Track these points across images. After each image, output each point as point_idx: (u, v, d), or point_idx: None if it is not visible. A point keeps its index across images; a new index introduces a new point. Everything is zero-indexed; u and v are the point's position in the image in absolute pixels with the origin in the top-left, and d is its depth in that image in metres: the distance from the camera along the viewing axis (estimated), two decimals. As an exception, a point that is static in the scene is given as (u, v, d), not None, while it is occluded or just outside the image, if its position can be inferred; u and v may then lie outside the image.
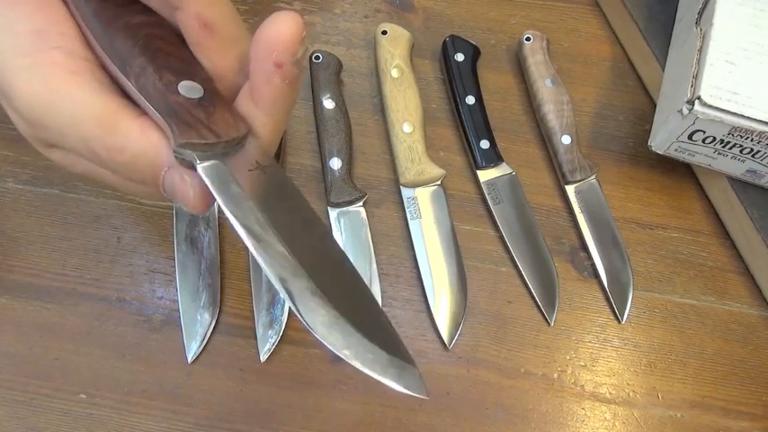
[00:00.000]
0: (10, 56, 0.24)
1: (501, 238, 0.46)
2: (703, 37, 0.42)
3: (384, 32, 0.50)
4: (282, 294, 0.22)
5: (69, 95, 0.24)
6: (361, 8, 0.55)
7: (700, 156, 0.44)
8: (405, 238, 0.46)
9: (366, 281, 0.43)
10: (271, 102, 0.23)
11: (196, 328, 0.42)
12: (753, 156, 0.42)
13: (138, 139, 0.24)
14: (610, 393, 0.43)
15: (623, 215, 0.48)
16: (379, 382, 0.22)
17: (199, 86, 0.23)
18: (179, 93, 0.23)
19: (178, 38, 0.25)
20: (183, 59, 0.24)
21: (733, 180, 0.45)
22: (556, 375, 0.43)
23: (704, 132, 0.41)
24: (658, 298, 0.45)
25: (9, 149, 0.47)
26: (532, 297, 0.45)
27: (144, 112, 0.24)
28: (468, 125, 0.48)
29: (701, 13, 0.44)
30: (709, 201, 0.48)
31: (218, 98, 0.24)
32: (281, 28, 0.21)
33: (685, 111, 0.40)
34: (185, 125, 0.23)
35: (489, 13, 0.55)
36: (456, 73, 0.50)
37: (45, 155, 0.27)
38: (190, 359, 0.42)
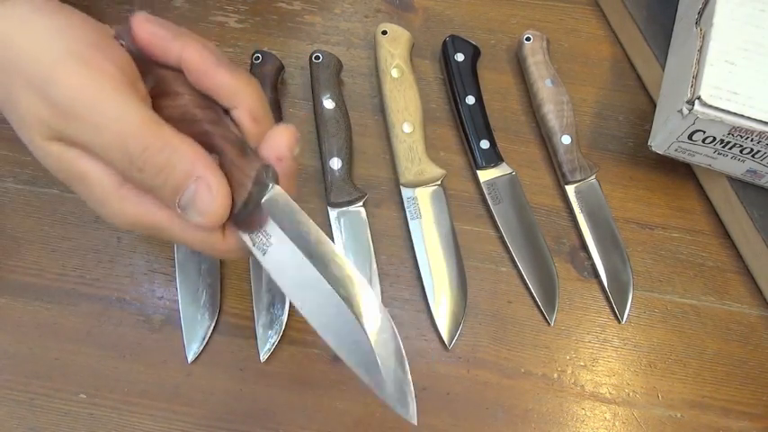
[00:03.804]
0: (63, 53, 0.25)
1: (501, 238, 0.46)
2: (703, 37, 0.42)
3: (384, 32, 0.50)
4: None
5: (116, 97, 0.25)
6: (361, 8, 0.55)
7: (700, 156, 0.44)
8: (405, 238, 0.46)
9: (366, 281, 0.44)
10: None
11: (196, 328, 0.42)
12: (753, 156, 0.42)
13: (178, 145, 0.26)
14: (610, 393, 0.43)
15: (623, 215, 0.48)
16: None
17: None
18: None
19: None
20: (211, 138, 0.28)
21: (733, 180, 0.45)
22: (556, 375, 0.43)
23: (704, 132, 0.41)
24: (658, 298, 0.45)
25: (9, 149, 0.47)
26: (532, 297, 0.45)
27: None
28: (468, 125, 0.48)
29: (701, 13, 0.44)
30: (710, 201, 0.48)
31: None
32: (283, 137, 0.29)
33: (685, 111, 0.40)
34: None
35: (489, 13, 0.55)
36: (456, 73, 0.50)
37: (37, 148, 0.27)
38: (190, 359, 0.42)
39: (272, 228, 0.27)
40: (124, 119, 0.25)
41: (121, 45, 0.29)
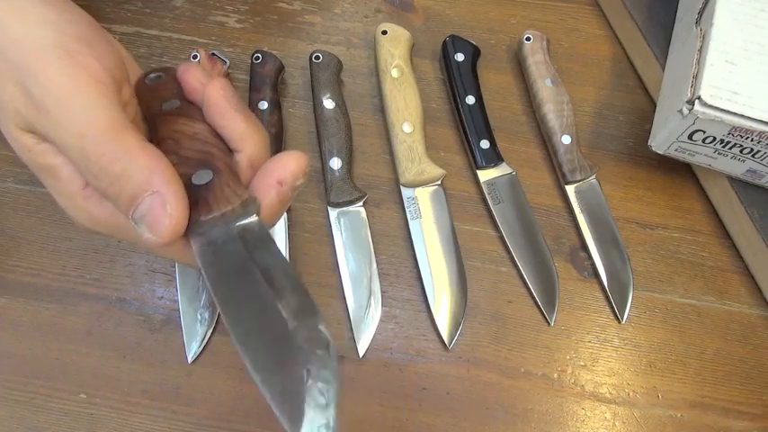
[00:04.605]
0: (50, 44, 0.25)
1: (501, 238, 0.46)
2: (703, 37, 0.42)
3: (384, 32, 0.50)
4: None
5: (87, 96, 0.25)
6: (361, 8, 0.55)
7: (700, 156, 0.44)
8: (405, 238, 0.46)
9: (366, 281, 0.44)
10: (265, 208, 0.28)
11: (196, 328, 0.42)
12: (753, 156, 0.42)
13: (137, 154, 0.24)
14: (610, 393, 0.43)
15: (623, 215, 0.48)
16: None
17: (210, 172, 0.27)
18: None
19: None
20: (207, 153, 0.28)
21: (733, 180, 0.45)
22: (556, 375, 0.43)
23: (704, 132, 0.41)
24: (658, 298, 0.45)
25: (9, 149, 0.47)
26: (532, 297, 0.45)
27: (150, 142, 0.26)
28: (468, 125, 0.48)
29: (701, 13, 0.44)
30: (710, 201, 0.48)
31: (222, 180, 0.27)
32: (292, 163, 0.27)
33: (685, 111, 0.40)
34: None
35: (489, 13, 0.55)
36: (456, 73, 0.50)
37: (11, 138, 0.27)
38: (190, 359, 0.42)
39: (236, 247, 0.26)
40: (88, 120, 0.24)
41: (159, 77, 0.30)
